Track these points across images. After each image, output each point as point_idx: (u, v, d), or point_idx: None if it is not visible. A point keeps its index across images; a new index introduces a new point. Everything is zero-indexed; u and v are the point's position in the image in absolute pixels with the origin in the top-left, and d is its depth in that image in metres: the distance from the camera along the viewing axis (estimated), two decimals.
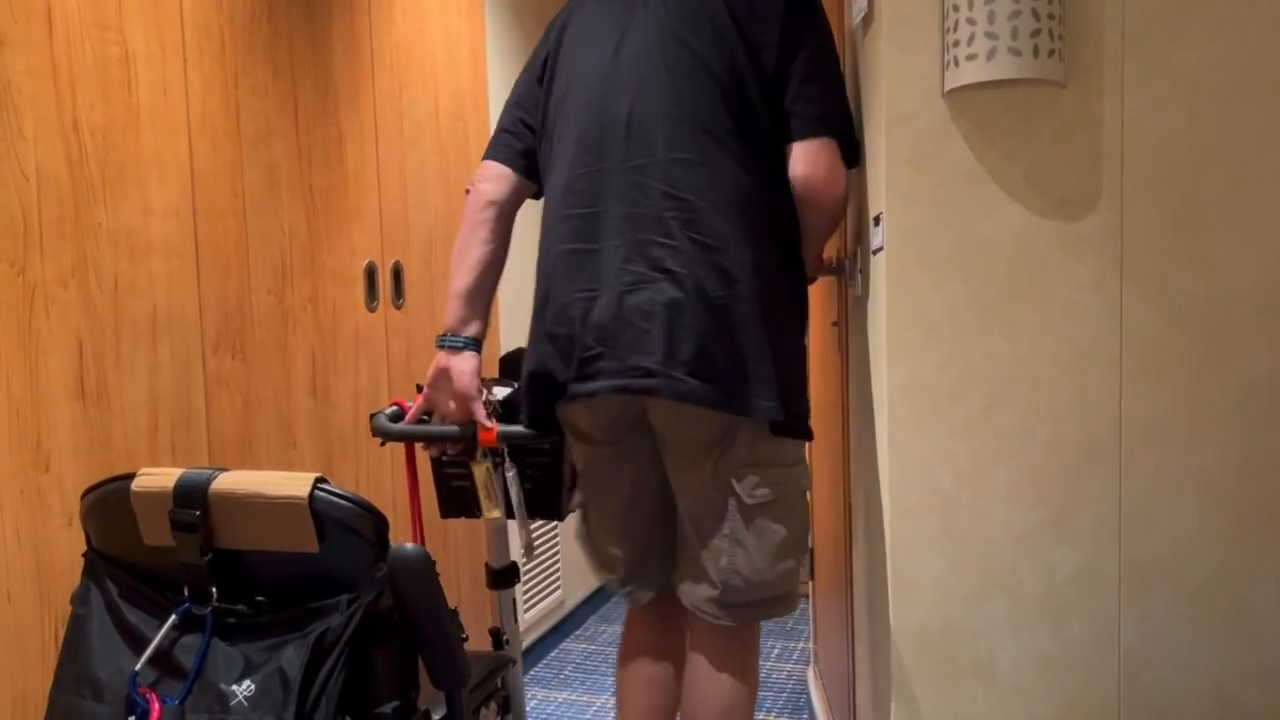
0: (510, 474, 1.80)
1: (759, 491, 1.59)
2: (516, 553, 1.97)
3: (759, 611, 1.64)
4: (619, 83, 1.60)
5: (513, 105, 1.80)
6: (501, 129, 1.80)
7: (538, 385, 1.66)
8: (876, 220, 1.55)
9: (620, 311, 1.55)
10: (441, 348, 1.75)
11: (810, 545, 2.88)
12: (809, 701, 2.78)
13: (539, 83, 1.75)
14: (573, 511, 1.89)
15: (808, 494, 1.68)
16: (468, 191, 1.80)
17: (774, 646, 3.25)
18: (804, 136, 1.58)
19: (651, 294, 1.53)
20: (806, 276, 1.68)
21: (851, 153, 1.64)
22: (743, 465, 1.58)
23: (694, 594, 1.63)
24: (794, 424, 1.59)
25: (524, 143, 1.78)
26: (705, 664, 1.66)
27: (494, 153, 1.80)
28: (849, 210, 1.84)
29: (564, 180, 1.66)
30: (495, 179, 1.79)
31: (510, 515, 1.81)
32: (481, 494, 1.82)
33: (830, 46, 1.62)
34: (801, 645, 3.26)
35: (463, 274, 1.79)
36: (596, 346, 1.57)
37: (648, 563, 1.74)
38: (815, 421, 2.41)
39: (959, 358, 1.48)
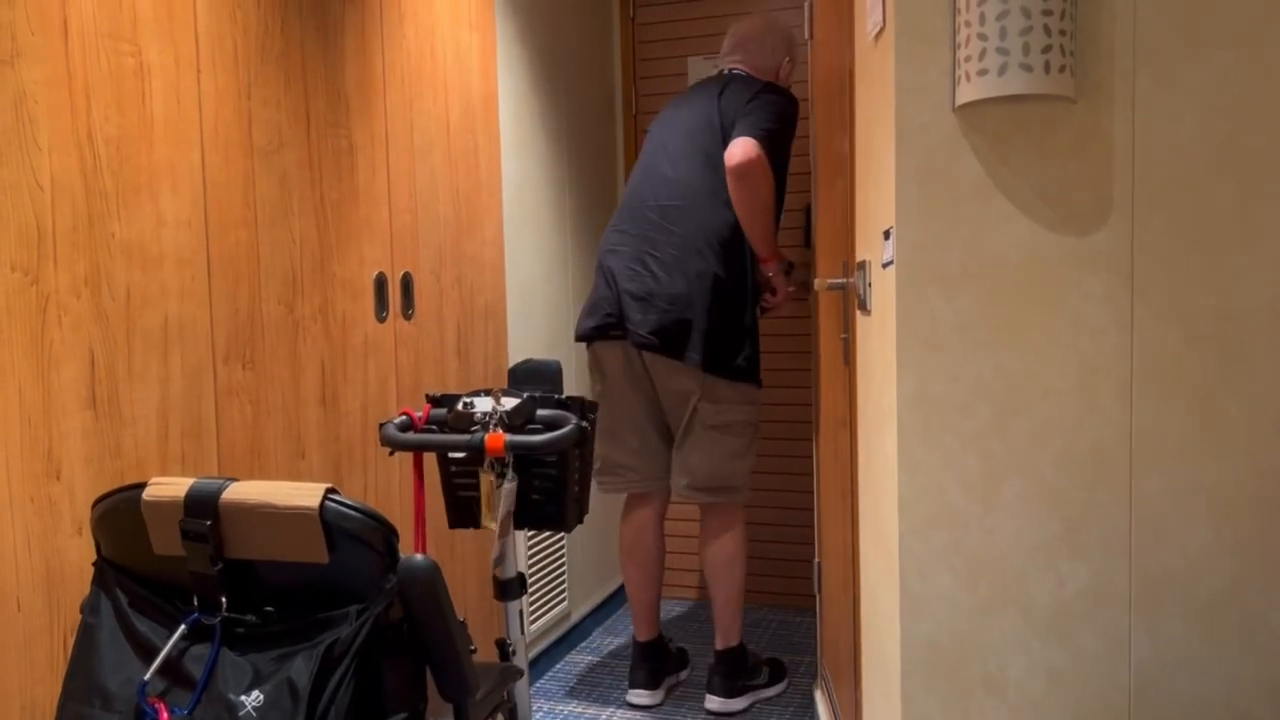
0: (508, 486, 1.81)
1: (716, 418, 2.69)
2: (523, 564, 1.97)
3: (718, 495, 2.74)
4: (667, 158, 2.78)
5: None
6: None
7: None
8: (886, 234, 1.56)
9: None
10: None
11: (817, 559, 2.88)
12: (815, 715, 2.77)
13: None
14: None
15: (753, 424, 2.75)
16: None
17: (780, 658, 3.24)
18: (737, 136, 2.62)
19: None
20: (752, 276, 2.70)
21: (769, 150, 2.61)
22: (705, 400, 2.68)
23: (677, 482, 2.77)
24: (732, 372, 2.65)
25: None
26: (711, 530, 2.78)
27: None
28: (856, 220, 1.84)
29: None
30: None
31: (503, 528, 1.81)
32: (484, 503, 1.82)
33: (776, 106, 2.70)
34: (808, 659, 3.24)
35: None
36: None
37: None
38: (822, 433, 2.52)
39: (969, 371, 1.48)
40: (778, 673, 2.97)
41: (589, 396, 2.73)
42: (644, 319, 2.67)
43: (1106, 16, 1.43)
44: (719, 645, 2.86)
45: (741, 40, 2.89)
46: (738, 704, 2.84)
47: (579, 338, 2.83)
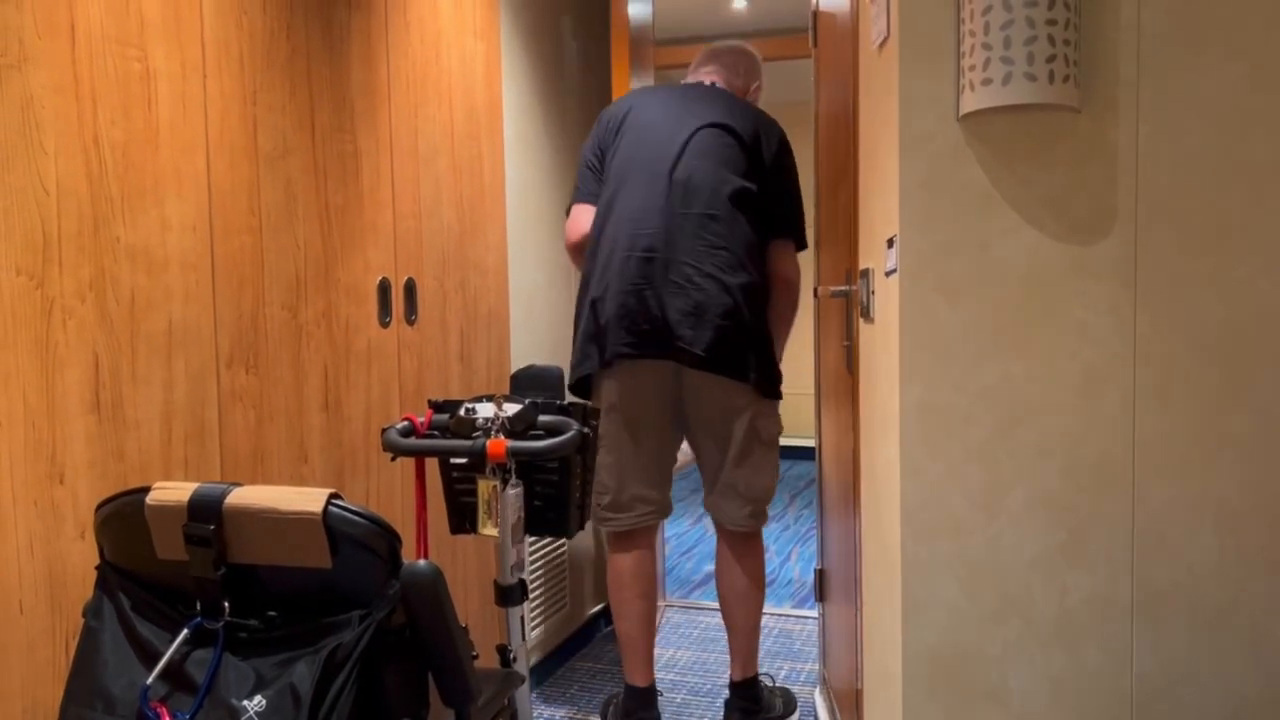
0: (513, 492, 1.81)
1: (767, 433, 2.53)
2: (525, 570, 1.97)
3: (761, 518, 2.59)
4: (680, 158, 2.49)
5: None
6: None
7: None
8: (890, 242, 1.56)
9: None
10: None
11: (819, 566, 2.87)
12: None
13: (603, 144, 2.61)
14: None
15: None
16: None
17: (781, 667, 3.24)
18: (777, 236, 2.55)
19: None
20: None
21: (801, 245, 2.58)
22: (759, 416, 2.50)
23: (736, 512, 2.56)
24: (775, 387, 2.50)
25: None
26: (740, 553, 2.59)
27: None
28: (860, 228, 1.84)
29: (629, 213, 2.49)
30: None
31: (508, 535, 1.81)
32: (482, 510, 1.82)
33: (796, 174, 2.62)
34: (810, 667, 3.24)
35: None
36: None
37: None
38: (824, 441, 2.52)
39: (973, 380, 1.48)
40: (789, 705, 2.80)
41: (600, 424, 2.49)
42: (697, 335, 2.37)
43: (1110, 27, 1.43)
44: (738, 676, 2.66)
45: (718, 55, 2.78)
46: None
47: (607, 361, 2.44)
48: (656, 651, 3.36)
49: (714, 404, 2.47)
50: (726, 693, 2.80)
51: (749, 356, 2.41)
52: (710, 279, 2.38)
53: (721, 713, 2.85)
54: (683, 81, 2.75)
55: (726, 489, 2.54)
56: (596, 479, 2.54)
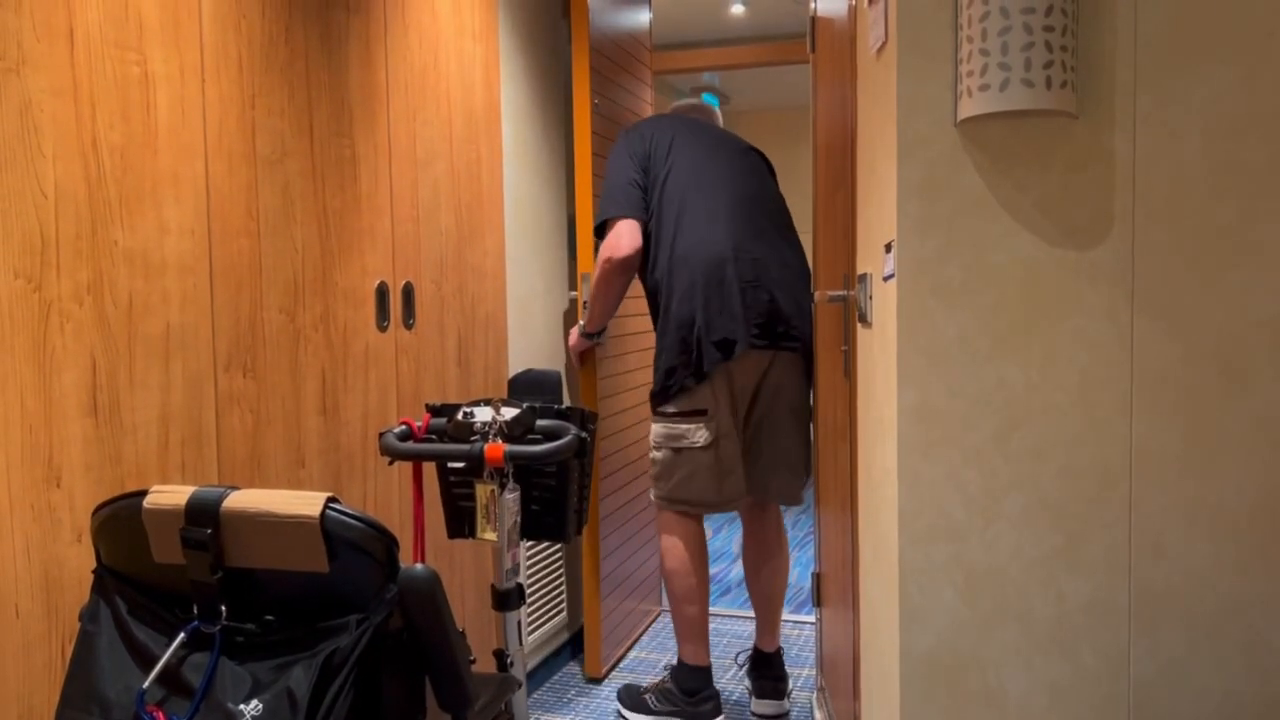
0: (510, 496, 1.80)
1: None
2: (522, 574, 1.97)
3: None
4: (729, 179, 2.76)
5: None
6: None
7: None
8: (888, 247, 1.56)
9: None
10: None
11: (817, 570, 2.87)
12: None
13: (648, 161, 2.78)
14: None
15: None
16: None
17: None
18: None
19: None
20: None
21: None
22: (809, 389, 2.82)
23: (790, 490, 2.82)
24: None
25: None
26: (775, 529, 2.89)
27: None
28: (858, 233, 1.84)
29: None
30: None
31: (505, 539, 1.81)
32: (480, 514, 1.82)
33: None
34: (807, 672, 3.24)
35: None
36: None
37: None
38: (823, 444, 2.53)
39: (970, 385, 1.48)
40: None
41: (701, 424, 2.67)
42: (803, 327, 2.71)
43: (1107, 33, 1.44)
44: (770, 648, 2.91)
45: (697, 108, 3.05)
46: (788, 703, 2.92)
47: (728, 350, 2.64)
48: (660, 655, 3.38)
49: (798, 388, 2.77)
50: (742, 675, 3.11)
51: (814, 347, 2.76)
52: (800, 278, 2.72)
53: (732, 697, 2.99)
54: (680, 114, 3.00)
55: (787, 465, 2.80)
56: (721, 462, 2.70)
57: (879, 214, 1.66)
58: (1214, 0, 1.41)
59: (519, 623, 1.92)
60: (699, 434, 2.67)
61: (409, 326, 2.40)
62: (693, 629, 2.78)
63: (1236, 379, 1.43)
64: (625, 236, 2.70)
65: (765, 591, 2.90)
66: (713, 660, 3.23)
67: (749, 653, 3.03)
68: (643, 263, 2.76)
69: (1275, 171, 1.41)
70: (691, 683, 2.79)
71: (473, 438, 1.83)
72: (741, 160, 2.80)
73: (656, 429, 2.76)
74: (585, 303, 3.02)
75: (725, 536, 4.93)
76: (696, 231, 2.66)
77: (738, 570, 4.42)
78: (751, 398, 2.73)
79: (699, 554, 2.79)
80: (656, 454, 2.76)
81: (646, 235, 2.73)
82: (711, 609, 3.93)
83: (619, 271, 2.73)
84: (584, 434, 1.83)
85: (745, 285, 2.64)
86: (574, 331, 3.05)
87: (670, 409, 2.70)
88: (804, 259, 2.77)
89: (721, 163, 2.76)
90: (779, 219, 2.76)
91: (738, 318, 2.62)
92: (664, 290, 2.68)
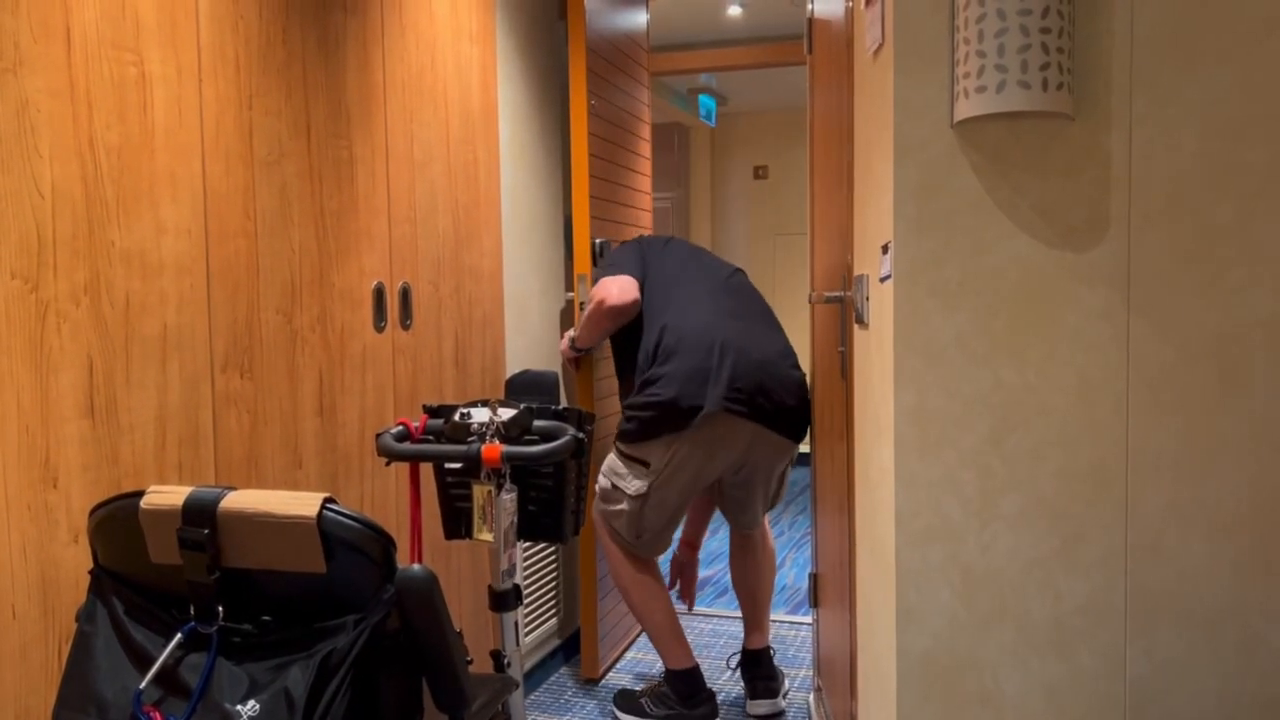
0: (507, 497, 1.80)
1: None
2: (519, 575, 1.97)
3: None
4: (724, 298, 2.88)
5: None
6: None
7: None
8: (885, 248, 1.56)
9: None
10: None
11: (814, 571, 2.87)
12: None
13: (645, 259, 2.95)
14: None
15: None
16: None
17: None
18: None
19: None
20: None
21: None
22: (789, 465, 2.97)
23: (749, 525, 3.00)
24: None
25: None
26: (758, 537, 3.02)
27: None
28: (854, 234, 1.84)
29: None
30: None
31: (502, 540, 1.81)
32: (477, 515, 1.82)
33: None
34: (804, 672, 3.24)
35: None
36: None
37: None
38: (819, 446, 2.53)
39: (966, 386, 1.49)
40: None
41: (666, 464, 2.71)
42: (796, 407, 2.75)
43: (1104, 35, 1.44)
44: (758, 645, 2.98)
45: None
46: (784, 702, 2.98)
47: (691, 415, 2.66)
48: (657, 657, 3.38)
49: (780, 457, 2.86)
50: (733, 674, 3.14)
51: (809, 424, 2.84)
52: (793, 366, 2.78)
53: (730, 697, 3.04)
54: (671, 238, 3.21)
55: (745, 512, 2.97)
56: (643, 517, 2.79)
57: (876, 215, 1.66)
58: (1210, 2, 1.41)
59: (516, 623, 1.92)
60: (633, 482, 2.77)
61: (406, 327, 2.40)
62: (665, 633, 2.83)
63: (1233, 380, 1.43)
64: (617, 285, 2.80)
65: (749, 588, 3.00)
66: (707, 662, 3.23)
67: (739, 654, 3.06)
68: (628, 334, 2.86)
69: (1272, 172, 1.42)
70: (685, 687, 2.82)
71: (470, 438, 1.83)
72: (724, 266, 3.00)
73: (609, 456, 2.87)
74: (582, 304, 3.03)
75: (721, 538, 4.92)
76: (684, 310, 2.79)
77: None
78: (736, 469, 2.83)
79: (652, 566, 2.90)
80: (601, 479, 2.87)
81: (637, 318, 2.84)
82: (709, 610, 3.94)
83: (608, 316, 2.81)
84: (581, 435, 1.83)
85: (726, 359, 2.68)
86: (565, 337, 3.08)
87: (622, 445, 2.80)
88: (786, 343, 2.84)
89: (705, 262, 2.98)
90: (761, 306, 2.90)
91: (714, 383, 2.67)
92: (644, 350, 2.78)
